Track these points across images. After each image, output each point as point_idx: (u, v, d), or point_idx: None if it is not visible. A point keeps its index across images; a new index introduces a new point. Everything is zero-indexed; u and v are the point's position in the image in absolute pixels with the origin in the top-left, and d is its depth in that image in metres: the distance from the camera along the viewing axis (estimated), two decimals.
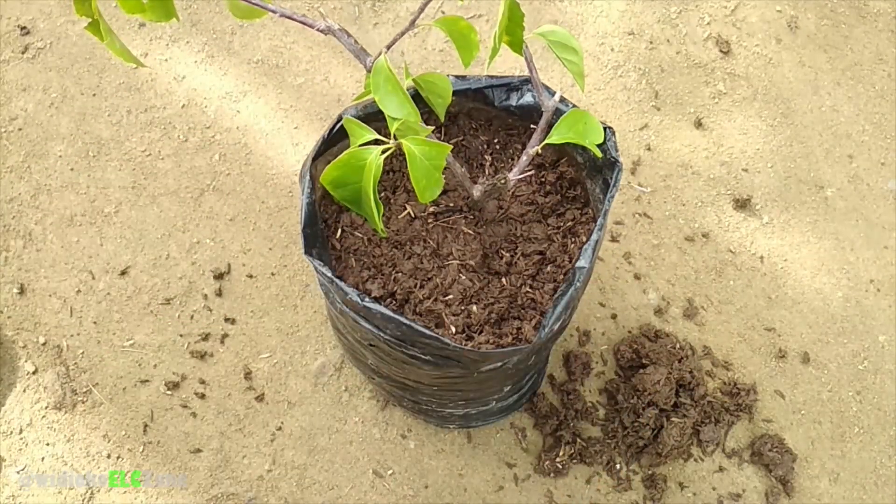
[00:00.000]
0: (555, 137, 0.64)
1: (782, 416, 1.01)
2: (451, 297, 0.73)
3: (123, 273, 1.05)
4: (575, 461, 0.96)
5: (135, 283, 1.05)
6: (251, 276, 1.05)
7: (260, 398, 0.99)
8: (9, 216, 1.08)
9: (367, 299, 0.64)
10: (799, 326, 1.07)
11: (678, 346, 1.01)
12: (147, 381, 1.00)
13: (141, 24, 1.21)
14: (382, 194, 0.78)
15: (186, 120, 1.14)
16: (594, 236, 0.67)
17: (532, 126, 0.75)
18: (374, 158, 0.56)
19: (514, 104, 0.76)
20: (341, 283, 0.64)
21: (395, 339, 0.67)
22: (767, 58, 1.24)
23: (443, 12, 1.24)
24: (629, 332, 1.04)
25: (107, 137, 1.13)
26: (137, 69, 1.18)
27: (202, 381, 1.00)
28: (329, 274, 0.65)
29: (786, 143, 1.18)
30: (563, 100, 0.70)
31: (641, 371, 0.97)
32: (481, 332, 0.72)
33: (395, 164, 0.79)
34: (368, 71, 0.57)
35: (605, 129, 0.69)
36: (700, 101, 1.20)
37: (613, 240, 1.09)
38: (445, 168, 0.58)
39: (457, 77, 0.74)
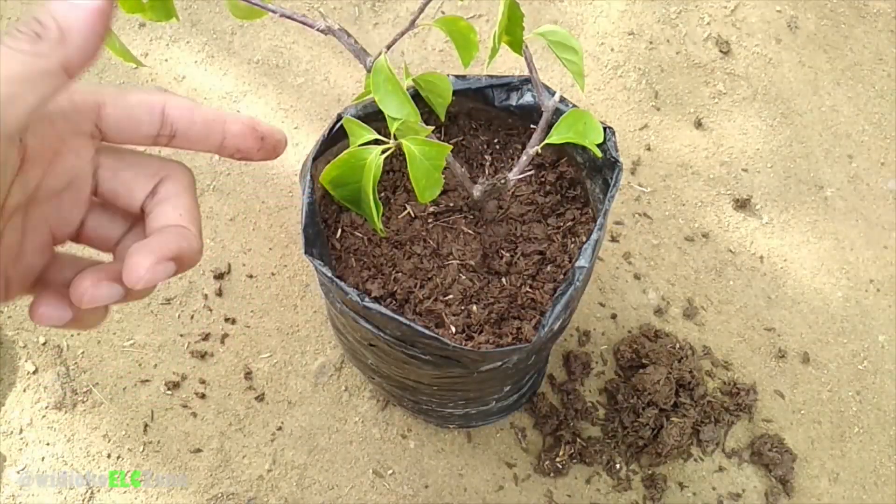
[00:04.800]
0: (555, 137, 0.64)
1: (782, 416, 1.01)
2: (451, 296, 0.73)
3: None
4: (575, 461, 0.96)
5: None
6: (251, 276, 1.05)
7: (260, 398, 0.99)
8: None
9: (367, 299, 0.64)
10: (799, 326, 1.07)
11: (678, 346, 1.01)
12: (147, 380, 1.00)
13: (141, 24, 1.21)
14: (382, 194, 0.78)
15: None
16: (594, 236, 0.67)
17: (532, 126, 0.75)
18: (374, 158, 0.56)
19: (513, 104, 0.76)
20: (341, 283, 0.64)
21: (395, 339, 0.67)
22: (767, 58, 1.24)
23: (443, 12, 1.24)
24: (629, 332, 1.04)
25: None
26: (137, 69, 1.18)
27: (202, 381, 1.00)
28: (329, 274, 0.65)
29: (786, 143, 1.18)
30: (562, 100, 0.70)
31: (641, 371, 0.97)
32: (481, 331, 0.72)
33: (395, 164, 0.79)
34: (368, 71, 0.57)
35: (604, 129, 0.69)
36: (700, 101, 1.20)
37: (613, 240, 1.09)
38: (445, 168, 0.58)
39: (457, 77, 0.74)
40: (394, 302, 0.73)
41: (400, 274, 0.74)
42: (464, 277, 0.74)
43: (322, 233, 0.73)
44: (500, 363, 0.71)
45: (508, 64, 1.19)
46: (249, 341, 1.02)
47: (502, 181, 0.68)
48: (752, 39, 1.25)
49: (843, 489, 0.99)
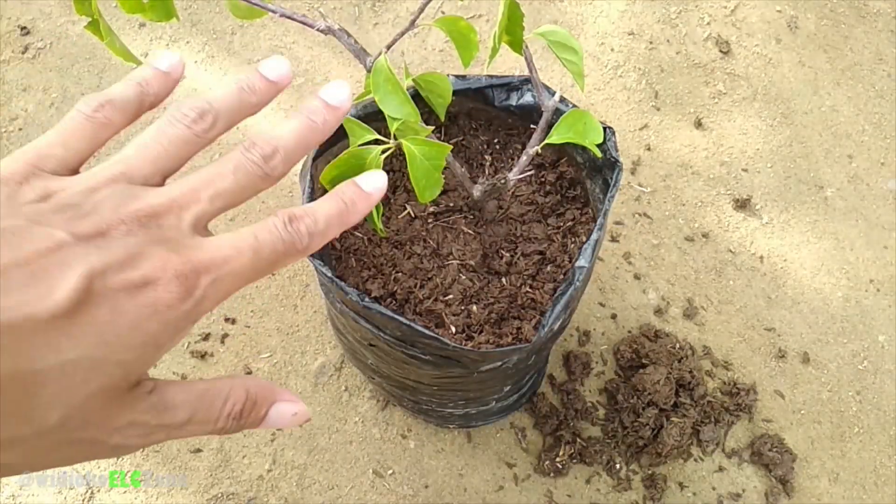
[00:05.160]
0: (554, 137, 0.64)
1: (782, 416, 1.01)
2: (451, 296, 0.73)
3: None
4: (575, 461, 0.96)
5: None
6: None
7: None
8: None
9: (366, 299, 0.64)
10: (799, 326, 1.07)
11: (678, 346, 1.01)
12: None
13: (141, 24, 1.21)
14: None
15: None
16: (594, 236, 0.67)
17: (532, 126, 0.75)
18: (374, 159, 0.56)
19: (513, 104, 0.76)
20: (341, 283, 0.64)
21: (395, 339, 0.67)
22: (767, 58, 1.24)
23: (443, 12, 1.24)
24: (629, 332, 1.04)
25: None
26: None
27: None
28: (329, 274, 0.65)
29: (786, 143, 1.18)
30: (562, 100, 0.70)
31: (641, 371, 0.97)
32: (481, 331, 0.72)
33: (396, 164, 0.79)
34: (368, 71, 0.57)
35: (604, 129, 0.69)
36: (700, 101, 1.20)
37: (613, 240, 1.09)
38: (445, 168, 0.57)
39: (457, 77, 0.74)
40: (394, 302, 0.73)
41: (400, 274, 0.74)
42: (464, 277, 0.74)
43: None
44: (500, 363, 0.71)
45: (508, 64, 1.19)
46: (249, 341, 1.02)
47: (502, 181, 0.68)
48: (752, 39, 1.25)
49: (843, 489, 0.99)
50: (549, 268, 0.76)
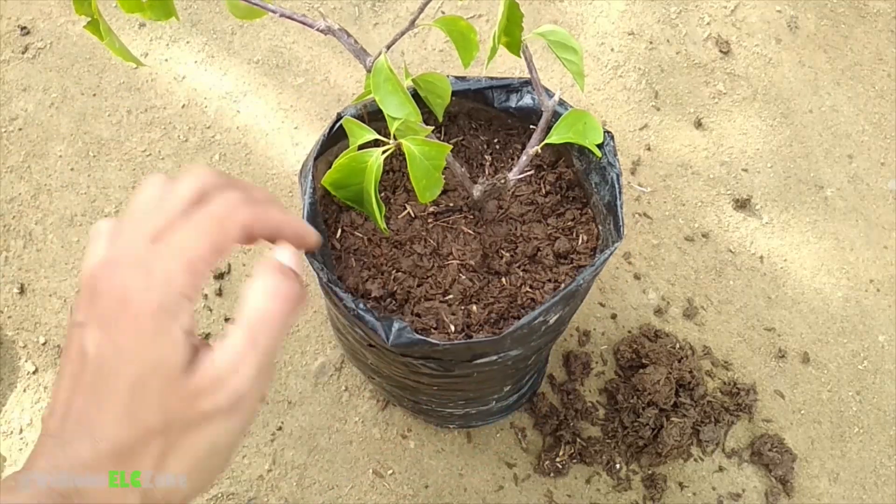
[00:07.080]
0: (554, 137, 0.64)
1: (782, 416, 1.01)
2: (451, 296, 0.73)
3: None
4: (575, 461, 0.96)
5: None
6: (251, 277, 1.05)
7: (260, 398, 0.99)
8: (9, 216, 1.08)
9: (361, 305, 0.64)
10: (799, 326, 1.07)
11: (678, 345, 1.01)
12: None
13: (141, 23, 1.21)
14: (382, 194, 0.78)
15: (186, 120, 1.15)
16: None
17: (532, 126, 0.75)
18: (375, 160, 0.56)
19: (513, 106, 0.76)
20: (336, 289, 0.64)
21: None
22: (767, 58, 1.24)
23: (443, 12, 1.24)
24: (629, 332, 1.04)
25: (107, 137, 1.13)
26: (137, 69, 1.18)
27: None
28: (325, 278, 0.65)
29: (786, 143, 1.18)
30: (562, 102, 0.70)
31: (641, 371, 0.97)
32: (480, 331, 0.72)
33: (395, 164, 0.79)
34: (368, 71, 0.57)
35: (603, 133, 0.69)
36: (700, 101, 1.20)
37: None
38: (445, 168, 0.57)
39: (456, 77, 0.74)
40: (394, 302, 0.73)
41: (400, 274, 0.74)
42: (464, 277, 0.74)
43: (323, 233, 0.73)
44: (495, 356, 0.70)
45: (509, 63, 1.19)
46: None
47: (502, 181, 0.68)
48: (752, 39, 1.25)
49: (843, 489, 0.99)
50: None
